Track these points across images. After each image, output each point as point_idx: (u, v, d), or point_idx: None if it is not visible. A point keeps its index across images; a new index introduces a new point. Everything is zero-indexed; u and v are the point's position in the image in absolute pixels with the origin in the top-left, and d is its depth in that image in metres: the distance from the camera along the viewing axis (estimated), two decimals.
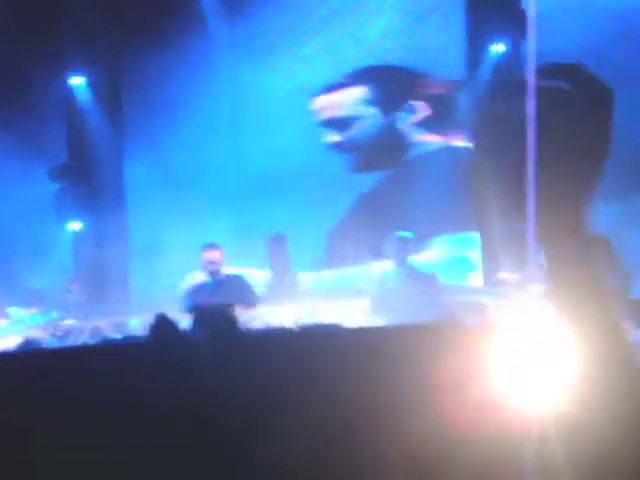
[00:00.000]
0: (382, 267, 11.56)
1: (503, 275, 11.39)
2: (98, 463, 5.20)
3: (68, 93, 13.68)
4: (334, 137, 13.87)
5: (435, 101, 13.67)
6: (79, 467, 5.17)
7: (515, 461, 4.13)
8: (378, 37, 13.47)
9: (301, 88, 13.82)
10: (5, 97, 13.24)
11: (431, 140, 13.87)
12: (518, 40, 12.21)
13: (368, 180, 14.07)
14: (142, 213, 13.99)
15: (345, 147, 13.94)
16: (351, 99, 13.88)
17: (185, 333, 7.23)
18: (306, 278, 12.93)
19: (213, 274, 10.48)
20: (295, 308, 11.00)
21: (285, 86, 13.89)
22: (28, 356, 8.21)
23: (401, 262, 11.04)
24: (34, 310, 12.42)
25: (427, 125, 13.75)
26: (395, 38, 13.46)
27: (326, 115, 13.90)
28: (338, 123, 13.90)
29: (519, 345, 4.55)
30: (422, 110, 13.67)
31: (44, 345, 10.11)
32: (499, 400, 4.41)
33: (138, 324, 10.43)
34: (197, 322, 8.14)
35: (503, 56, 12.56)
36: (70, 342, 10.50)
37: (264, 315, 10.34)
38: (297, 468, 5.01)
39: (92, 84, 13.69)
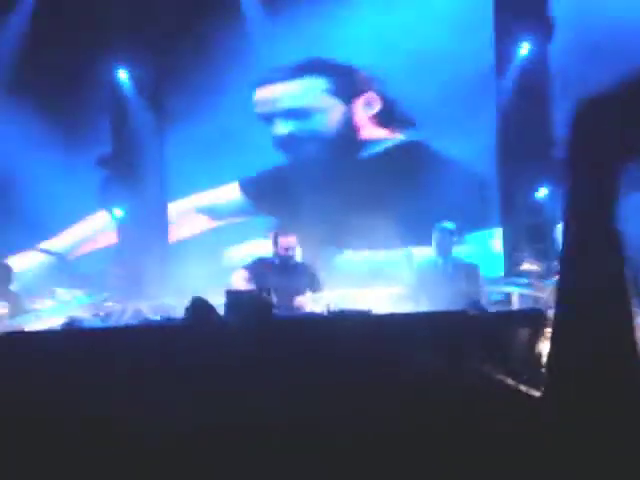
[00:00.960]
0: (421, 256, 11.54)
1: (526, 266, 11.43)
2: (140, 433, 5.56)
3: (113, 87, 13.76)
4: (288, 128, 13.73)
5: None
6: (123, 438, 5.56)
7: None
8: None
9: None
10: (54, 91, 13.22)
11: (386, 136, 13.78)
12: (544, 44, 12.30)
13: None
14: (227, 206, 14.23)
15: (299, 139, 13.79)
16: (311, 89, 13.76)
17: (220, 316, 7.81)
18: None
19: (288, 259, 10.05)
20: (328, 294, 10.43)
21: None
22: (72, 334, 8.60)
23: (444, 252, 10.83)
24: (80, 292, 12.49)
25: (382, 117, 13.67)
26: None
27: (281, 105, 13.76)
28: (295, 114, 13.76)
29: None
30: (377, 102, 13.58)
31: (87, 324, 9.87)
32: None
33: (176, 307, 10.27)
34: (231, 306, 8.18)
35: (529, 59, 12.68)
36: (112, 322, 10.27)
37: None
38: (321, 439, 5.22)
39: (135, 78, 13.76)
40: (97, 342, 7.96)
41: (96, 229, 14.34)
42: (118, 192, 13.70)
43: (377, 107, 13.53)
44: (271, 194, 13.64)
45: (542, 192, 12.05)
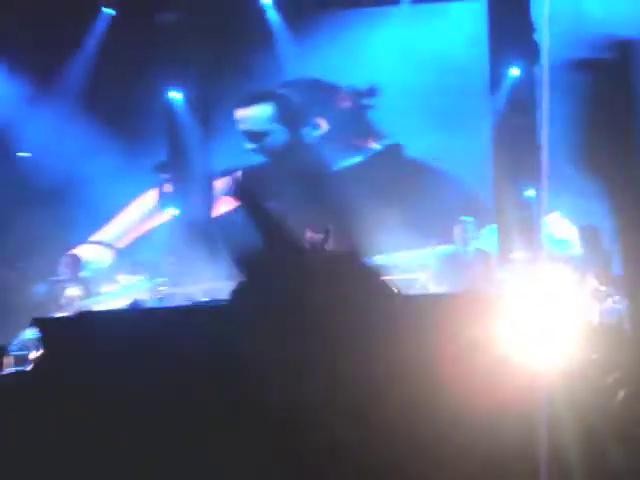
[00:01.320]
0: (444, 247, 11.51)
1: (515, 255, 11.54)
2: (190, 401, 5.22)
3: (168, 105, 13.78)
4: (251, 145, 13.92)
5: (344, 110, 13.82)
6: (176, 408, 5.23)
7: (523, 408, 4.16)
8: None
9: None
10: (119, 108, 13.33)
11: (345, 148, 13.87)
12: (532, 66, 12.17)
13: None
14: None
15: (263, 153, 14.00)
16: (260, 116, 13.96)
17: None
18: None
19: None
20: None
21: None
22: (136, 313, 8.43)
23: (465, 242, 11.00)
24: (140, 277, 12.58)
25: (335, 135, 13.80)
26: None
27: (243, 127, 13.96)
28: (252, 135, 13.93)
29: (528, 310, 4.72)
30: (324, 125, 13.74)
31: (147, 305, 10.20)
32: (513, 354, 4.51)
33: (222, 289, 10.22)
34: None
35: (519, 78, 12.59)
36: (167, 303, 10.67)
37: None
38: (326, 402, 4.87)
39: (187, 97, 13.77)
40: (156, 320, 8.34)
41: (137, 218, 14.32)
42: (172, 193, 13.83)
43: (325, 128, 13.71)
44: (267, 189, 13.48)
45: (530, 192, 12.16)
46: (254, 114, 14.03)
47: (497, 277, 10.80)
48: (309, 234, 10.18)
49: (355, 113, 13.80)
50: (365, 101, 13.73)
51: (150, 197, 14.21)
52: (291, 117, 13.94)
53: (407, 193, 13.05)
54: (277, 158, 14.10)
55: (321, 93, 13.88)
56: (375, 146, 13.97)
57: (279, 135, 13.99)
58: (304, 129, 13.90)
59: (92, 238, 14.02)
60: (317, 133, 13.87)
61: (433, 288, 10.75)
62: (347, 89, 13.79)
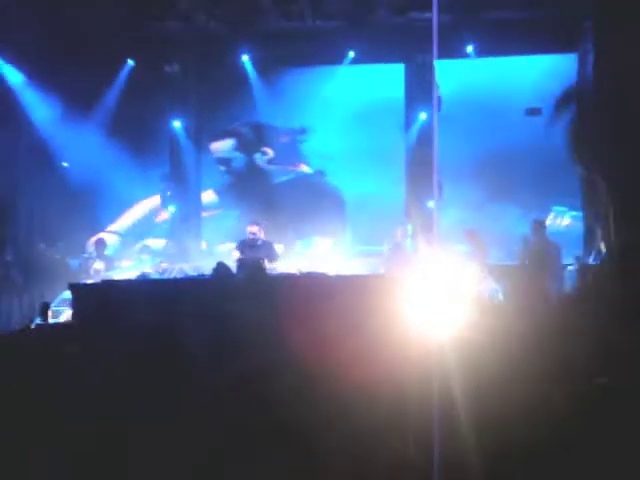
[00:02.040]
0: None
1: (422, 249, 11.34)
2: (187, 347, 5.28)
3: (171, 130, 13.64)
4: (222, 168, 14.04)
5: (284, 144, 13.94)
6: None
7: (422, 369, 3.94)
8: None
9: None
10: (134, 131, 13.08)
11: (283, 169, 14.02)
12: (435, 113, 12.33)
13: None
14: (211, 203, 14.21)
15: (232, 175, 14.05)
16: (225, 148, 14.03)
17: (233, 274, 8.25)
18: None
19: (254, 240, 10.14)
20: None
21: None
22: (143, 282, 9.17)
23: (404, 239, 10.66)
24: (147, 256, 12.83)
25: (277, 160, 13.93)
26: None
27: (215, 155, 14.07)
28: (222, 161, 14.05)
29: (430, 288, 4.30)
30: (270, 152, 13.93)
31: (151, 277, 10.36)
32: (413, 326, 4.40)
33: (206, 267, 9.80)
34: (240, 268, 8.83)
35: (425, 121, 12.59)
36: (166, 276, 10.71)
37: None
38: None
39: (185, 126, 13.67)
40: (157, 287, 8.54)
41: (145, 214, 14.20)
42: (172, 196, 13.64)
43: (271, 154, 13.94)
44: (235, 198, 13.87)
45: (431, 203, 11.84)
46: (222, 145, 14.13)
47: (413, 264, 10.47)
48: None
49: (291, 145, 13.93)
50: (299, 137, 13.92)
51: (154, 200, 14.11)
52: (247, 147, 14.05)
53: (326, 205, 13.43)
54: (239, 177, 14.20)
55: (267, 131, 13.99)
56: (306, 169, 14.11)
57: (240, 160, 14.10)
58: (256, 155, 14.03)
59: (110, 228, 13.93)
60: (265, 158, 14.04)
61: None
62: (286, 129, 13.92)
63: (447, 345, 3.87)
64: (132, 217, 14.14)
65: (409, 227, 10.65)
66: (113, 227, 14.01)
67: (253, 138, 14.02)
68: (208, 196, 14.30)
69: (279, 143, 14.02)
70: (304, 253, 12.09)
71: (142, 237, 13.85)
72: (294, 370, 4.53)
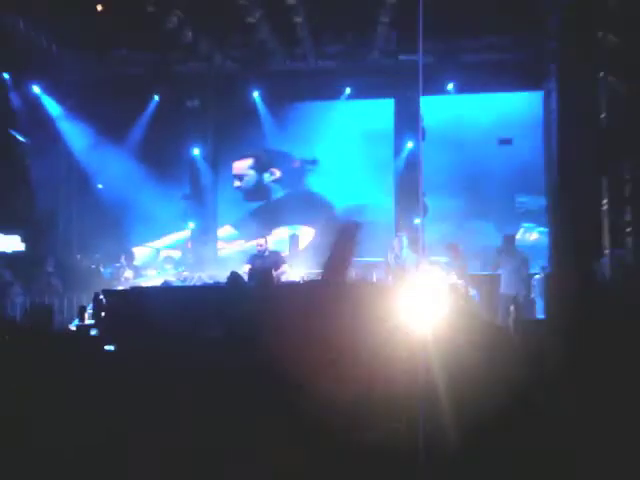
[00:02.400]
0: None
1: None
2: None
3: (191, 156, 13.60)
4: (238, 184, 13.99)
5: (292, 169, 13.87)
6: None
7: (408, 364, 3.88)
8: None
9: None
10: (159, 157, 13.16)
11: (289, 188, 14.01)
12: (420, 141, 11.82)
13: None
14: (225, 220, 14.16)
15: (242, 189, 13.96)
16: (243, 167, 13.99)
17: (245, 282, 8.24)
18: None
19: (262, 251, 10.02)
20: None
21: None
22: (167, 289, 9.23)
23: (400, 249, 10.27)
24: (169, 266, 12.95)
25: (283, 182, 13.94)
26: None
27: (235, 172, 13.99)
28: (238, 177, 13.96)
29: (414, 295, 4.16)
30: (277, 173, 13.94)
31: (173, 284, 10.34)
32: (399, 325, 4.15)
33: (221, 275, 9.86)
34: (250, 276, 8.89)
35: (412, 149, 12.48)
36: (187, 283, 10.73)
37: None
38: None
39: (203, 153, 13.66)
40: (179, 293, 8.53)
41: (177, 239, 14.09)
42: (192, 214, 13.59)
43: (278, 175, 13.97)
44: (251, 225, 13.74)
45: (417, 220, 11.75)
46: (241, 164, 14.10)
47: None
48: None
49: (299, 172, 13.91)
50: (309, 166, 13.91)
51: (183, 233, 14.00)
52: (260, 167, 14.02)
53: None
54: (247, 191, 14.11)
55: (282, 156, 13.97)
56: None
57: (252, 177, 14.06)
58: (265, 174, 14.04)
59: (151, 244, 13.89)
60: (272, 178, 14.02)
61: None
62: (298, 157, 13.89)
63: (429, 345, 3.83)
64: (172, 239, 14.10)
65: (404, 239, 10.40)
66: (155, 243, 14.01)
67: (267, 160, 14.03)
68: (226, 231, 14.21)
69: (290, 168, 14.00)
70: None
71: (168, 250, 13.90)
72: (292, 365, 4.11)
